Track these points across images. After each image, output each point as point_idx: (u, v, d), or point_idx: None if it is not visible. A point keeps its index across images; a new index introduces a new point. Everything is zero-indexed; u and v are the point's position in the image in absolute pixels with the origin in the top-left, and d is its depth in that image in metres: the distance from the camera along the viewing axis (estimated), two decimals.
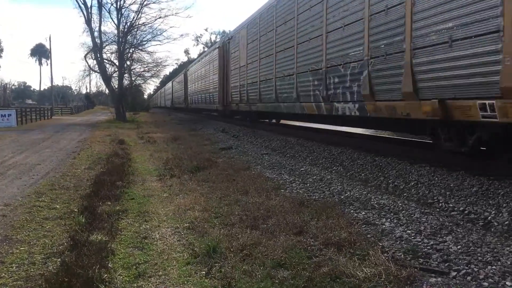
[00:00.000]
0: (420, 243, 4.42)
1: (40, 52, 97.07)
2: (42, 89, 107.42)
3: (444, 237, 4.52)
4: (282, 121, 19.38)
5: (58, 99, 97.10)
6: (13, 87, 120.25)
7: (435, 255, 4.08)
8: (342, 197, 6.50)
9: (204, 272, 3.82)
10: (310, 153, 10.82)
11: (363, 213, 5.59)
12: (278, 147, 12.79)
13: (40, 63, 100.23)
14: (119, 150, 12.96)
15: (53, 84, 65.12)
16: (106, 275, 3.68)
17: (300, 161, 10.20)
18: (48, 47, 64.79)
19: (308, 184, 7.55)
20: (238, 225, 5.13)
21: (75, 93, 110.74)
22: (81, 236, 4.60)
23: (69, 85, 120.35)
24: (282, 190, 7.11)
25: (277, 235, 4.73)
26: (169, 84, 60.38)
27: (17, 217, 5.69)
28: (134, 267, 3.97)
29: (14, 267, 3.98)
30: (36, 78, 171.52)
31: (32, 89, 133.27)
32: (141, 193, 7.15)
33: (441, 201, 5.91)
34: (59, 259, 4.10)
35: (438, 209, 5.67)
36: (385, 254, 4.10)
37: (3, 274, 3.82)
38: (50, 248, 4.51)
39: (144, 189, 7.54)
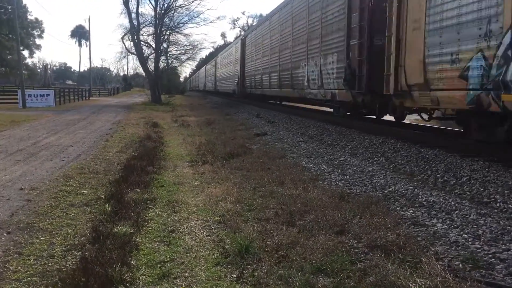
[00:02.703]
0: (480, 250, 3.89)
1: (80, 34, 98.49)
2: (81, 70, 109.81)
3: (508, 244, 3.97)
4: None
5: (97, 80, 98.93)
6: (54, 67, 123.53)
7: (499, 265, 3.56)
8: (386, 191, 5.99)
9: (235, 276, 3.43)
10: (349, 141, 10.26)
11: (411, 211, 5.07)
12: (315, 134, 12.26)
13: (80, 45, 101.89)
14: (152, 133, 12.78)
15: (92, 65, 66.33)
16: (127, 274, 3.34)
17: (339, 150, 9.67)
18: (88, 29, 65.79)
19: (348, 176, 7.06)
20: (273, 221, 4.72)
21: (113, 74, 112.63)
22: (105, 227, 4.30)
23: (107, 67, 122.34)
24: (320, 182, 6.65)
25: (316, 233, 4.29)
26: (211, 64, 49.61)
27: (42, 202, 5.46)
28: (159, 265, 3.62)
29: (32, 260, 3.69)
30: (77, 59, 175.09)
31: (72, 70, 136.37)
32: (171, 180, 6.83)
33: (499, 201, 5.29)
34: (79, 253, 3.79)
35: (496, 210, 5.07)
36: (440, 262, 3.60)
37: (19, 267, 3.54)
38: (72, 239, 4.22)
39: (175, 175, 7.23)
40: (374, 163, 8.04)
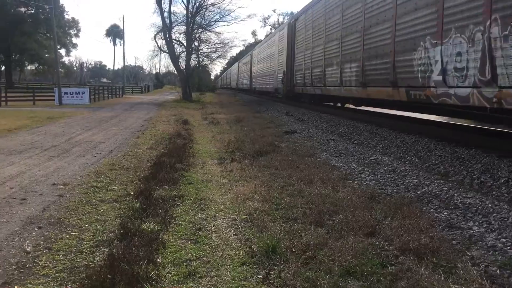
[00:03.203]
0: None
1: (115, 33, 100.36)
2: (115, 68, 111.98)
3: None
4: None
5: (131, 78, 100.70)
6: (89, 66, 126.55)
7: None
8: (418, 192, 5.80)
9: (261, 276, 3.36)
10: (380, 140, 10.03)
11: (445, 213, 4.88)
12: (345, 132, 12.07)
13: (114, 43, 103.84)
14: (182, 131, 12.85)
15: (126, 63, 67.56)
16: (153, 272, 3.32)
17: (370, 149, 9.47)
18: (122, 28, 67.00)
19: (379, 176, 6.88)
20: (301, 220, 4.63)
21: (146, 72, 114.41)
22: (133, 224, 4.30)
23: (140, 65, 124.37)
24: (349, 181, 6.51)
25: (345, 235, 4.17)
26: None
27: (73, 198, 5.53)
28: (185, 263, 3.59)
29: (61, 255, 3.72)
30: (111, 57, 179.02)
31: (107, 68, 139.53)
32: (199, 178, 6.82)
33: None
34: (107, 249, 3.80)
35: None
36: (476, 268, 3.44)
37: (48, 263, 3.57)
38: (101, 235, 4.24)
39: (203, 173, 7.22)
40: (407, 163, 7.82)
